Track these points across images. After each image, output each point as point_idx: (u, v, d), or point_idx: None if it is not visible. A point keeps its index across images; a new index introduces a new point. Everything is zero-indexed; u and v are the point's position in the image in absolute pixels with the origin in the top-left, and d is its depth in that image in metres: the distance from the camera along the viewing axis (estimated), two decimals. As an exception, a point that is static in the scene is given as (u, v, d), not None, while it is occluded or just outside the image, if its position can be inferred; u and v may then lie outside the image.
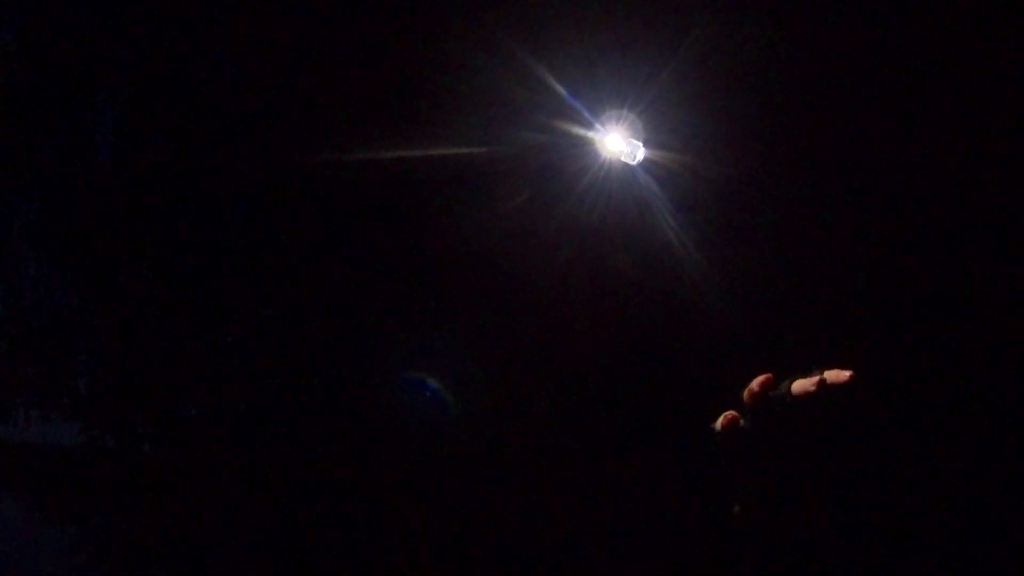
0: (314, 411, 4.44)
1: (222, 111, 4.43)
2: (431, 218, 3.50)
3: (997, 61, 2.83)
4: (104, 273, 4.37)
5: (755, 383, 1.07)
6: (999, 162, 2.86)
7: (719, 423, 1.12)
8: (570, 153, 3.10)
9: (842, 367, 1.05)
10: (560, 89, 3.06)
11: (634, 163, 3.20)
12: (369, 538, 4.21)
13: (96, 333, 4.41)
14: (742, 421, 1.09)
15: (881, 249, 3.23)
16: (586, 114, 3.06)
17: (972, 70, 2.92)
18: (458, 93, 3.25)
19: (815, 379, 1.02)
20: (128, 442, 4.55)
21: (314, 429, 4.43)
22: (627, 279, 3.26)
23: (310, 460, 4.44)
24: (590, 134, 3.10)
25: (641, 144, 3.17)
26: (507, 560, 3.29)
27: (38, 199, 4.33)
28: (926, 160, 3.11)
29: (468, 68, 3.23)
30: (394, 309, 4.00)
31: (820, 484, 1.10)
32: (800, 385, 1.04)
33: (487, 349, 3.66)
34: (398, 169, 3.22)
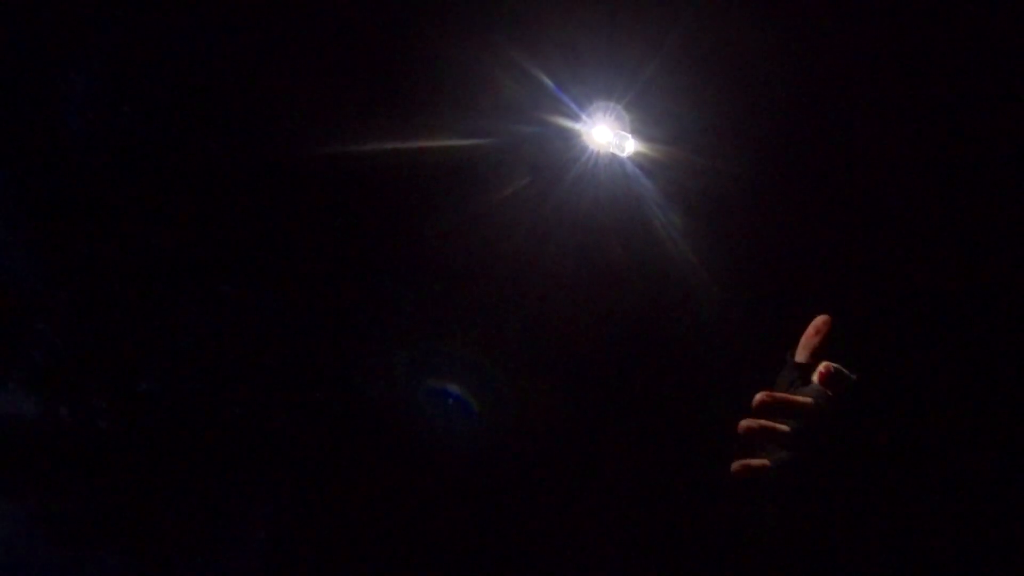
0: (279, 395, 4.42)
1: (200, 88, 4.32)
2: (420, 210, 3.47)
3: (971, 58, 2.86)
4: (68, 245, 4.25)
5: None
6: (984, 160, 2.91)
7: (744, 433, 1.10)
8: (558, 145, 3.09)
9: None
10: (548, 81, 3.05)
11: (623, 155, 3.20)
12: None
13: (56, 305, 4.31)
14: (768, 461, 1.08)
15: (872, 243, 3.26)
16: (574, 106, 3.06)
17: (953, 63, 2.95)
18: (445, 86, 3.22)
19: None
20: (83, 415, 4.48)
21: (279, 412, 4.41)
22: (618, 270, 3.28)
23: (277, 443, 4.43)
24: (578, 126, 3.10)
25: (630, 136, 3.17)
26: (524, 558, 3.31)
27: (4, 168, 4.20)
28: (916, 154, 3.15)
29: (455, 61, 3.19)
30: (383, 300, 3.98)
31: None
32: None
33: (496, 347, 3.65)
34: (385, 162, 3.19)
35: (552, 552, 3.43)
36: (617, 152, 3.16)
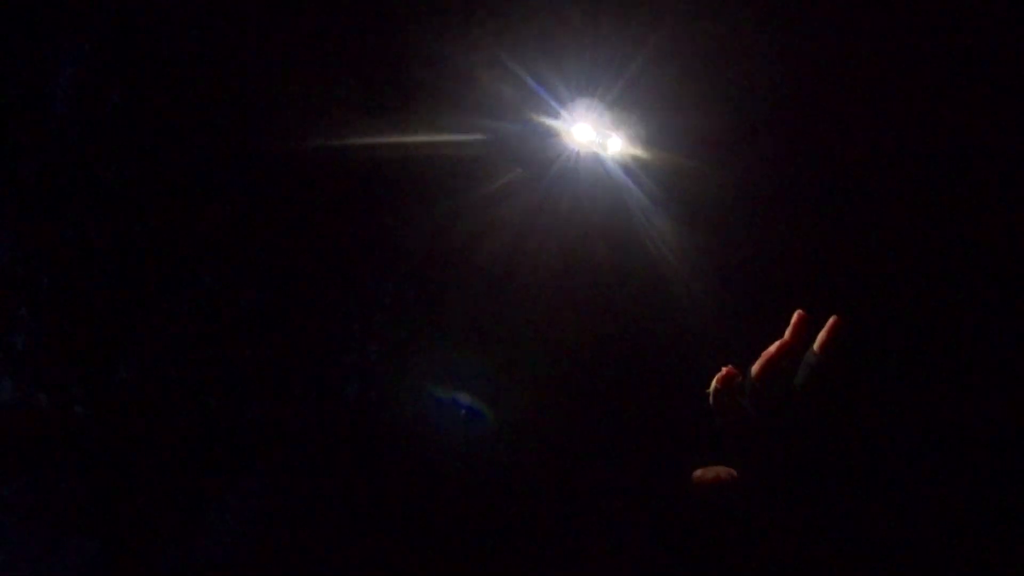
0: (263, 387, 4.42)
1: (187, 79, 4.31)
2: (400, 208, 3.46)
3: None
4: (50, 231, 4.23)
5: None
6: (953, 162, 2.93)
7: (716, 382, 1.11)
8: (540, 142, 3.09)
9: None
10: (530, 79, 3.05)
11: (606, 153, 3.21)
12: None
13: (37, 291, 4.29)
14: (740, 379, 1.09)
15: (856, 243, 3.26)
16: (556, 104, 3.07)
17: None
18: (427, 83, 3.22)
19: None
20: (61, 401, 4.47)
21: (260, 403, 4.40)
22: (599, 268, 3.28)
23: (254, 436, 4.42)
24: (560, 124, 3.11)
25: (613, 134, 3.18)
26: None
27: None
28: (900, 155, 3.16)
29: (436, 57, 3.19)
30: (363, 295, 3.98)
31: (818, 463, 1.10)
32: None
33: (480, 348, 3.64)
34: (365, 158, 3.19)
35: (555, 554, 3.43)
36: (599, 150, 3.17)
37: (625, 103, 3.14)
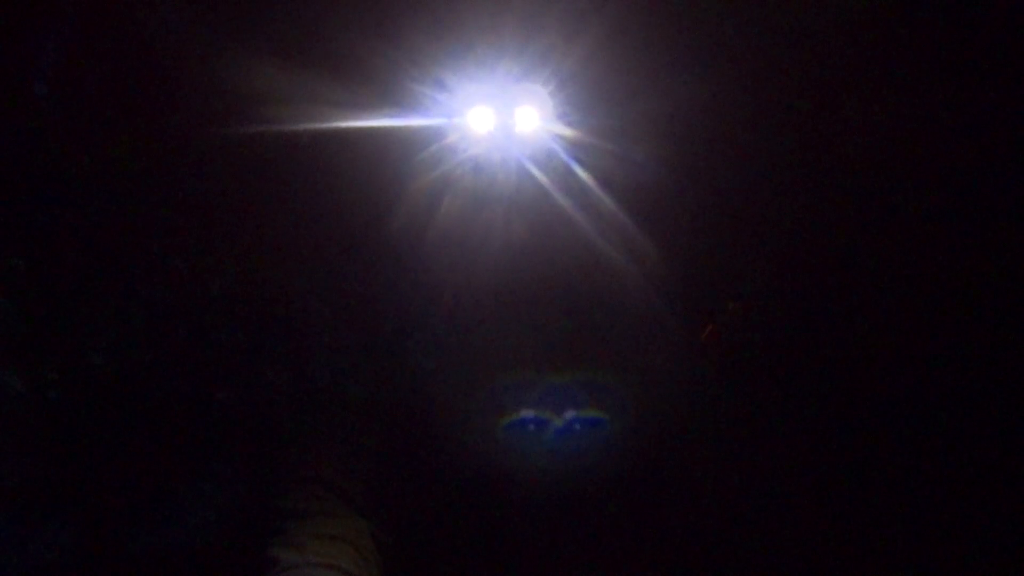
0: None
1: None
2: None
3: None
4: (23, 213, 4.23)
5: None
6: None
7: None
8: (476, 131, 2.91)
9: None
10: (470, 61, 2.86)
11: (549, 141, 3.02)
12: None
13: (9, 274, 4.29)
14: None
15: (812, 234, 3.16)
16: (497, 89, 2.87)
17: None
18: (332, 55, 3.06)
19: None
20: (34, 385, 4.48)
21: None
22: (543, 262, 3.10)
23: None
24: (500, 111, 2.91)
25: (557, 121, 2.99)
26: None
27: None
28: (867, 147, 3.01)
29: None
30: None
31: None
32: None
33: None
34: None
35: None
36: (543, 139, 2.96)
37: (572, 89, 2.93)
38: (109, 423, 4.46)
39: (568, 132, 2.89)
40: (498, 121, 2.87)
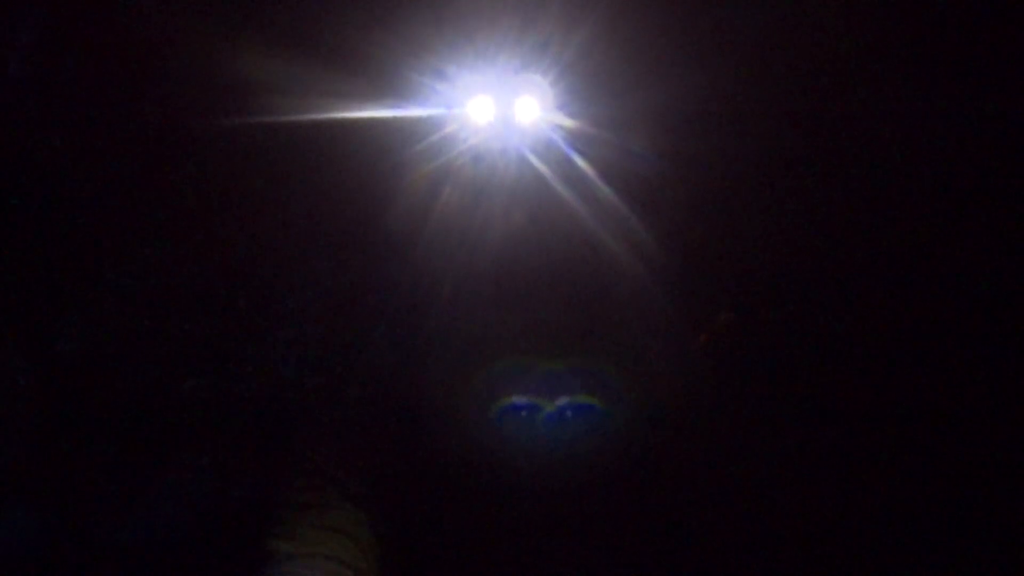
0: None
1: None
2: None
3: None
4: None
5: None
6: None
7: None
8: (475, 121, 2.90)
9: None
10: (471, 51, 2.85)
11: (550, 132, 3.02)
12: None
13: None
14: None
15: (812, 232, 3.19)
16: (496, 80, 2.86)
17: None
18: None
19: None
20: (3, 373, 4.40)
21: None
22: (544, 255, 3.10)
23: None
24: (499, 101, 2.90)
25: (557, 111, 2.99)
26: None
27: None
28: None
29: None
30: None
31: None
32: None
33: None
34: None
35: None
36: (543, 129, 2.96)
37: (573, 78, 2.92)
38: (78, 410, 4.40)
39: (568, 122, 2.89)
40: (498, 111, 2.86)
